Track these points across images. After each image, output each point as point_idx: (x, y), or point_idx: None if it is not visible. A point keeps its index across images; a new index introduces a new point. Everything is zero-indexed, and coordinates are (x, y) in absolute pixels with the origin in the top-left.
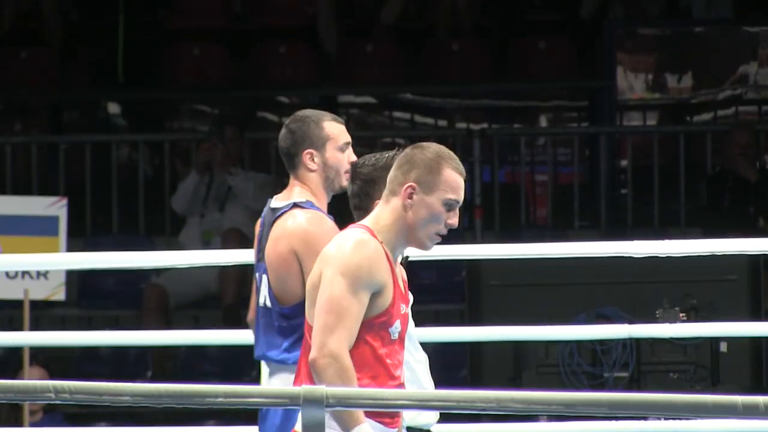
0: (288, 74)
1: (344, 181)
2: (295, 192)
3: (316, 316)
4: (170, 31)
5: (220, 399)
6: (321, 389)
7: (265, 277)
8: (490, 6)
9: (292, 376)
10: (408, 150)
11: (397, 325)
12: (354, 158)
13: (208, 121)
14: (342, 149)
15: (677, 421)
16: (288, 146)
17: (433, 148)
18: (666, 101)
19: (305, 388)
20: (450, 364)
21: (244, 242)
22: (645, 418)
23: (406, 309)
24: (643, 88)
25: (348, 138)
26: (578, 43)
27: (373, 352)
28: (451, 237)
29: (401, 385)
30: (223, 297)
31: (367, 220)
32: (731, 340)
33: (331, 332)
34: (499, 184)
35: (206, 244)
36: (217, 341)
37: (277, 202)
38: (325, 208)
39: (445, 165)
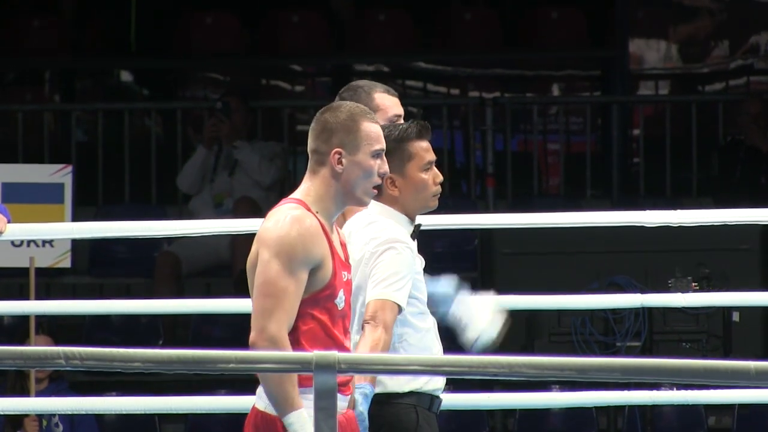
0: (301, 43)
1: None
2: None
3: (254, 299)
4: None
5: (232, 365)
6: (333, 354)
7: None
8: None
9: None
10: (319, 116)
11: (341, 295)
12: None
13: (220, 90)
14: (392, 121)
15: (689, 390)
16: None
17: (343, 107)
18: (678, 71)
19: (317, 354)
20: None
21: (255, 210)
22: (657, 387)
23: (348, 276)
24: (656, 57)
25: (401, 111)
26: (591, 13)
27: (322, 326)
28: (463, 205)
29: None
30: (234, 265)
31: (299, 193)
32: (743, 310)
33: (269, 316)
34: (512, 153)
35: (218, 206)
36: (228, 309)
37: None
38: None
39: (360, 120)
